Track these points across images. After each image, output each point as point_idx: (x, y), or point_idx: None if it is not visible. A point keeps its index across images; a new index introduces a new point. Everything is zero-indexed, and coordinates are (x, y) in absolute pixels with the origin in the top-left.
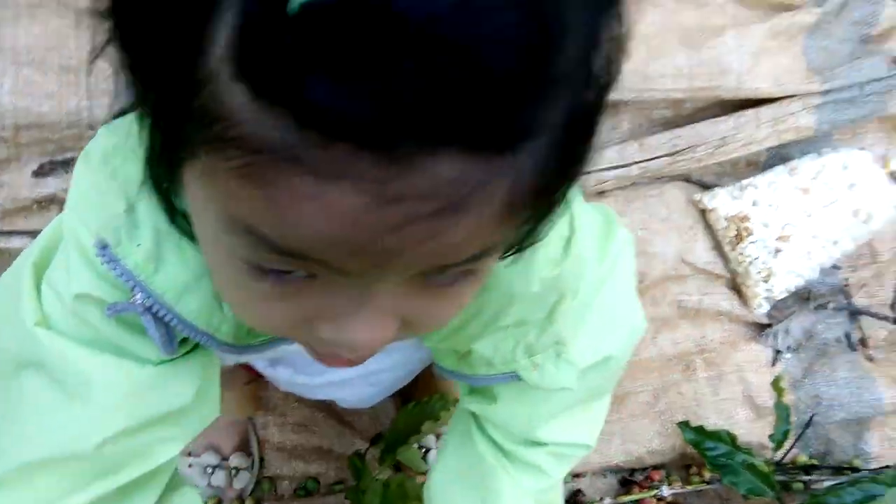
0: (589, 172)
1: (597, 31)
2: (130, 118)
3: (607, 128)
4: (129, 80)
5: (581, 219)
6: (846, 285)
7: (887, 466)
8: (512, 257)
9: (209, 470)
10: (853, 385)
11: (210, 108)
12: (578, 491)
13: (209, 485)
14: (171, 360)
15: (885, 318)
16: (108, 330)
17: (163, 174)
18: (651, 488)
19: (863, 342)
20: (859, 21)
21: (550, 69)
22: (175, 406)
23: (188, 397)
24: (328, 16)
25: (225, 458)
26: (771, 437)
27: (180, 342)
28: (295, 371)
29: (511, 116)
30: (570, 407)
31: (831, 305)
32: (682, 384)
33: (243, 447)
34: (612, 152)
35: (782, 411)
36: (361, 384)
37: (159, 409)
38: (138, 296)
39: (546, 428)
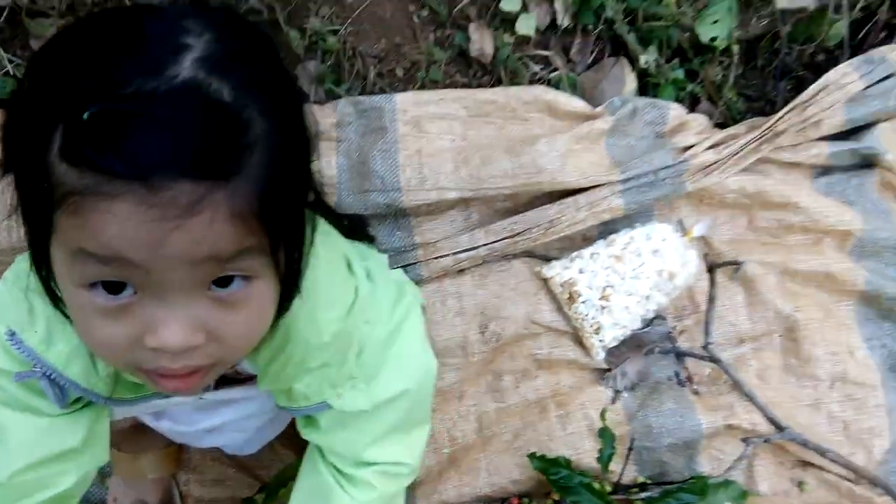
0: (448, 255)
1: (275, 124)
2: None
3: (462, 218)
4: (18, 202)
5: (366, 290)
6: (671, 333)
7: (692, 478)
8: (300, 310)
9: None
10: (677, 415)
11: (51, 182)
12: None
13: None
14: (67, 413)
15: (702, 358)
16: (18, 392)
17: (41, 262)
18: None
19: (689, 379)
20: (651, 122)
21: (238, 140)
22: (66, 447)
23: (77, 441)
24: (99, 117)
25: None
26: (598, 459)
27: (75, 400)
28: (174, 423)
29: (217, 163)
30: (388, 434)
31: (657, 350)
32: (537, 423)
33: (167, 501)
34: (464, 238)
35: (607, 437)
36: (232, 430)
37: (53, 449)
38: (37, 367)
39: (369, 451)
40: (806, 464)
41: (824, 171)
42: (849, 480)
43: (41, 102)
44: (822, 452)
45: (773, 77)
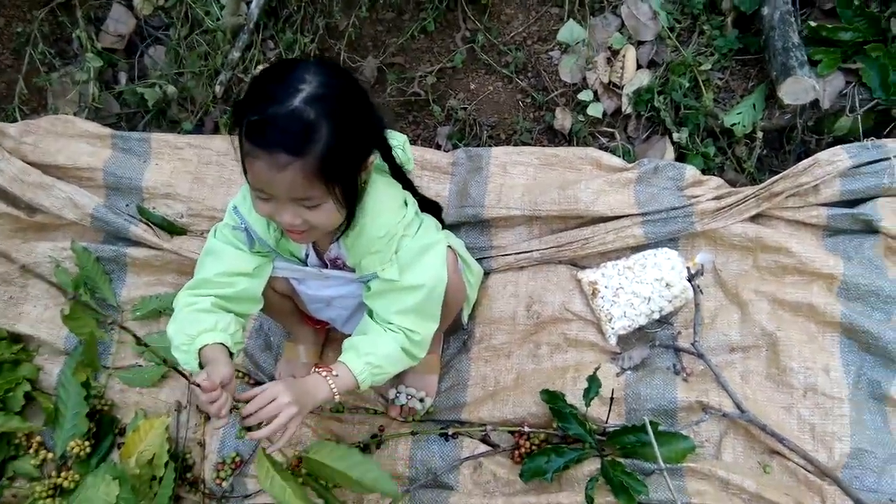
0: (511, 254)
1: (335, 117)
2: None
3: (526, 232)
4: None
5: (409, 218)
6: (674, 335)
7: (650, 422)
8: (368, 216)
9: None
10: (661, 389)
11: (242, 146)
12: (486, 434)
13: None
14: (250, 252)
15: (690, 353)
16: (232, 237)
17: (245, 174)
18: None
19: (684, 370)
20: (672, 178)
21: (312, 135)
22: (244, 269)
23: (250, 268)
24: (256, 121)
25: None
26: (584, 396)
27: (257, 252)
28: (307, 288)
29: (297, 147)
30: (408, 311)
31: (659, 344)
32: (556, 380)
33: None
34: (524, 244)
35: (593, 382)
36: (337, 307)
37: (238, 267)
38: (242, 224)
39: (394, 317)
40: (774, 452)
41: (834, 232)
42: (807, 471)
43: (240, 112)
44: (780, 439)
45: (795, 157)
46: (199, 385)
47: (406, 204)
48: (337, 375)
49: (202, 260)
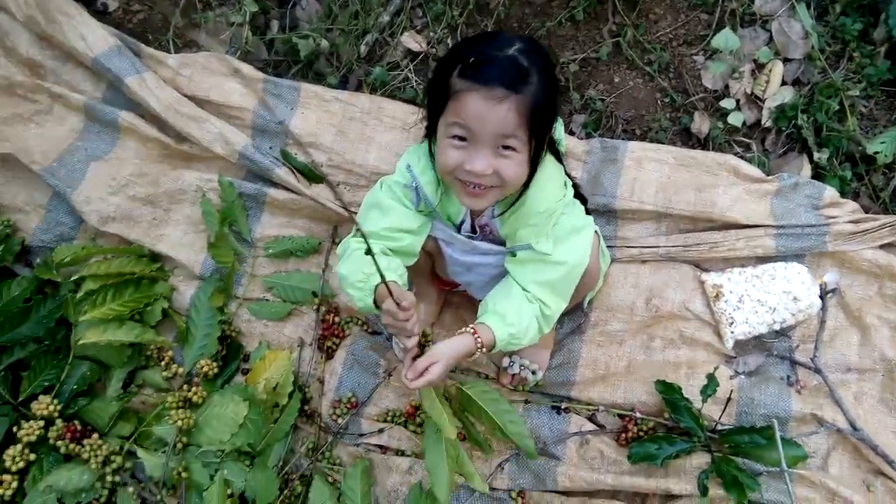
0: (636, 247)
1: (542, 73)
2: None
3: (654, 227)
4: (424, 116)
5: (569, 199)
6: (792, 347)
7: (767, 427)
8: (532, 190)
9: None
10: (776, 397)
11: (449, 88)
12: (595, 413)
13: None
14: (415, 211)
15: (809, 368)
16: (400, 193)
17: (430, 133)
18: (630, 416)
19: (798, 382)
20: (810, 195)
21: (527, 78)
22: (408, 226)
23: (414, 226)
24: (475, 61)
25: None
26: (700, 391)
27: (419, 211)
28: (453, 251)
29: (514, 84)
30: (545, 284)
31: (776, 353)
32: (669, 374)
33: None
34: (651, 239)
35: (712, 380)
36: (476, 273)
37: (403, 224)
38: (413, 182)
39: (532, 286)
40: (879, 472)
41: None
42: None
43: (452, 59)
44: (889, 462)
45: None
46: (398, 304)
47: (566, 185)
48: (483, 345)
49: (367, 212)
